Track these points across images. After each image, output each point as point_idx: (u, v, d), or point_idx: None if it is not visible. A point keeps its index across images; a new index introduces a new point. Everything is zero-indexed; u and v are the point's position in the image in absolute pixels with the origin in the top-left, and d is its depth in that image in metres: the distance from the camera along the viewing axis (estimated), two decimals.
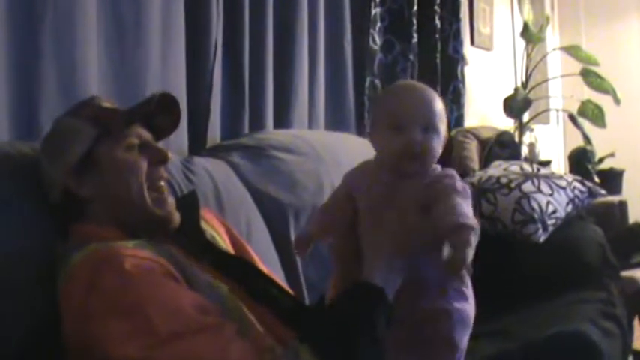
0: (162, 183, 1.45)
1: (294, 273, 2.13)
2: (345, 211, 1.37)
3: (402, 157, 1.30)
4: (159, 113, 1.50)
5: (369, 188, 1.35)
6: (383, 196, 1.32)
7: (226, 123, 2.43)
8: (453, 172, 1.35)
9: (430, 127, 1.30)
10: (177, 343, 1.13)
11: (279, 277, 1.80)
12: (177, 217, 1.44)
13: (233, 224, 1.80)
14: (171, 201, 1.45)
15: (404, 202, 1.30)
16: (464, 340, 1.34)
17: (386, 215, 1.31)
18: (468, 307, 1.34)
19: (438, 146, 1.32)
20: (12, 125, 1.68)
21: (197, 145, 2.26)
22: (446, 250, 1.25)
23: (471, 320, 1.35)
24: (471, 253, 1.20)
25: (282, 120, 2.67)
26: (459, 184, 1.32)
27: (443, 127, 1.33)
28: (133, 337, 1.13)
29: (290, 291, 1.57)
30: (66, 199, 1.39)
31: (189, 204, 1.55)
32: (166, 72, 2.12)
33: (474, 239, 1.21)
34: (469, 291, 1.35)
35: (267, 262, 1.82)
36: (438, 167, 1.36)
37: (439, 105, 1.34)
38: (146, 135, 1.46)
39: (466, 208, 1.27)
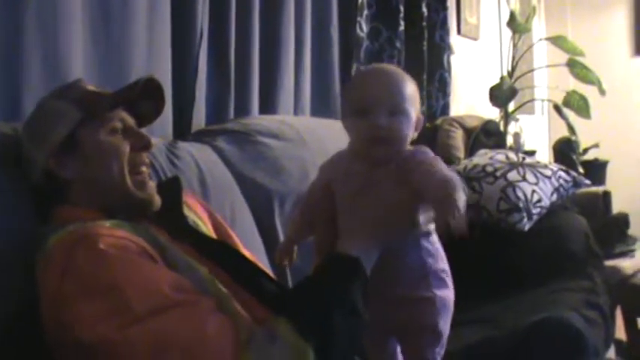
0: (144, 168, 1.44)
1: None
2: (323, 202, 1.36)
3: (368, 143, 1.29)
4: (143, 99, 1.49)
5: (345, 177, 1.34)
6: (358, 183, 1.31)
7: (211, 108, 2.41)
8: (424, 148, 1.33)
9: (397, 110, 1.28)
10: (152, 320, 1.12)
11: (263, 263, 1.79)
12: (157, 200, 1.43)
13: (217, 209, 1.79)
14: (152, 184, 1.45)
15: (379, 188, 1.29)
16: (446, 326, 1.35)
17: (361, 201, 1.29)
18: (449, 293, 1.35)
19: (407, 129, 1.30)
20: None
21: (182, 129, 2.25)
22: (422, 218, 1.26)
23: (452, 306, 1.36)
24: (462, 198, 1.19)
25: (268, 105, 2.65)
26: (432, 154, 1.31)
27: (413, 109, 1.30)
28: (108, 316, 1.12)
29: (273, 276, 1.56)
30: (47, 181, 1.38)
31: (171, 188, 1.54)
32: (152, 56, 2.09)
33: (460, 189, 1.21)
34: (449, 277, 1.36)
35: (252, 248, 1.81)
36: (410, 149, 1.34)
37: (408, 87, 1.31)
38: (129, 120, 1.45)
39: (443, 167, 1.26)
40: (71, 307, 1.15)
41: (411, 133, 1.32)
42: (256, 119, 2.45)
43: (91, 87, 1.46)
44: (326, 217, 1.34)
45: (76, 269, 1.18)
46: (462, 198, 1.19)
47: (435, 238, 1.35)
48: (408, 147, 1.32)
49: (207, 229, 1.58)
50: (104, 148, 1.38)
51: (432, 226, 1.34)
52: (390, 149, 1.29)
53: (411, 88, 1.31)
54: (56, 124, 1.38)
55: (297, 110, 2.83)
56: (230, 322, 1.17)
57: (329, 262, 1.26)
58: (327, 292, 1.20)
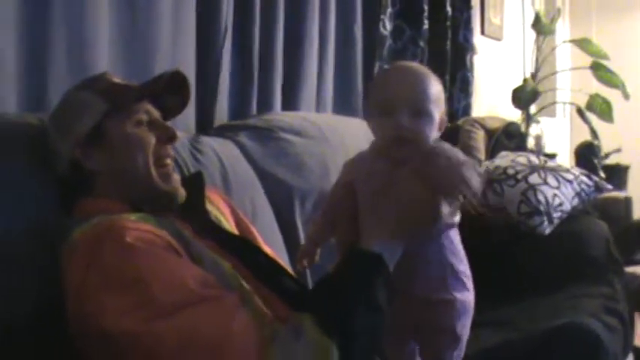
0: (169, 161, 1.45)
1: None
2: (345, 201, 1.35)
3: (391, 142, 1.28)
4: (169, 92, 1.50)
5: (366, 176, 1.33)
6: (379, 182, 1.30)
7: (234, 103, 2.41)
8: (444, 143, 1.33)
9: (421, 111, 1.27)
10: (177, 315, 1.13)
11: (283, 259, 1.79)
12: (182, 192, 1.44)
13: (239, 204, 1.79)
14: (176, 177, 1.45)
15: (400, 186, 1.28)
16: (465, 328, 1.34)
17: (383, 200, 1.29)
18: (469, 295, 1.35)
19: (431, 130, 1.29)
20: (21, 98, 1.68)
21: (204, 124, 2.25)
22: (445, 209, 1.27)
23: (472, 309, 1.35)
24: (473, 176, 1.20)
25: (290, 102, 2.65)
26: (449, 147, 1.30)
27: (437, 110, 1.29)
28: (132, 310, 1.13)
29: (293, 273, 1.56)
30: (73, 172, 1.39)
31: (194, 184, 1.54)
32: (176, 50, 2.10)
33: (472, 168, 1.23)
34: (469, 280, 1.35)
35: (272, 244, 1.81)
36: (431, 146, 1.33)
37: (433, 87, 1.29)
38: (155, 112, 1.45)
39: (459, 154, 1.27)
40: (96, 298, 1.16)
41: (434, 135, 1.31)
42: (278, 115, 2.45)
43: (117, 79, 1.47)
44: (348, 216, 1.34)
45: (102, 262, 1.18)
46: (473, 176, 1.19)
47: (457, 237, 1.35)
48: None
49: (229, 224, 1.58)
50: (130, 139, 1.39)
51: (456, 219, 1.33)
52: (412, 149, 1.28)
53: (436, 89, 1.30)
54: (82, 115, 1.38)
55: (319, 107, 2.83)
56: (255, 319, 1.18)
57: (351, 258, 1.26)
58: (350, 289, 1.20)
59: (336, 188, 1.41)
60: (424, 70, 1.33)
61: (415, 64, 1.40)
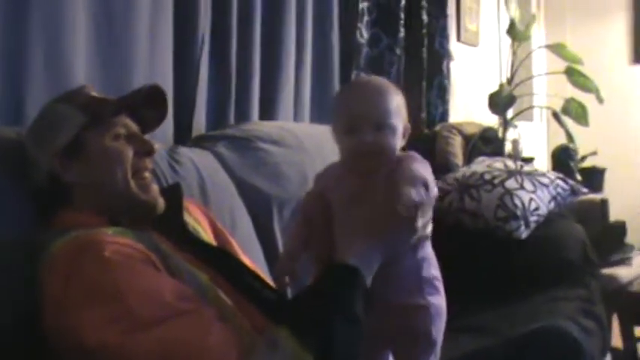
0: (147, 174, 1.45)
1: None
2: (318, 212, 1.37)
3: (356, 158, 1.32)
4: (147, 105, 1.51)
5: (337, 186, 1.36)
6: (350, 194, 1.33)
7: (212, 113, 2.42)
8: (412, 153, 1.36)
9: (382, 125, 1.30)
10: (156, 328, 1.13)
11: (262, 269, 1.80)
12: (161, 203, 1.45)
13: (217, 215, 1.80)
14: (155, 187, 1.46)
15: (370, 196, 1.30)
16: (440, 333, 1.37)
17: (354, 210, 1.31)
18: (442, 300, 1.37)
19: (394, 141, 1.32)
20: None
21: (182, 134, 2.25)
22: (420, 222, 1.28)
23: (445, 313, 1.37)
24: (414, 194, 1.23)
25: (268, 111, 2.66)
26: (416, 159, 1.33)
27: (399, 121, 1.33)
28: (111, 322, 1.14)
29: (272, 284, 1.57)
30: (50, 184, 1.40)
31: (172, 195, 1.54)
32: (153, 61, 2.11)
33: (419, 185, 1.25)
34: (441, 284, 1.38)
35: (251, 254, 1.82)
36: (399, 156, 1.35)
37: (392, 101, 1.33)
38: (133, 126, 1.46)
39: (419, 168, 1.29)
40: (75, 312, 1.16)
41: (399, 143, 1.34)
42: (256, 125, 2.46)
43: (95, 93, 1.48)
44: (321, 227, 1.36)
45: (81, 275, 1.19)
46: (414, 194, 1.23)
47: (428, 243, 1.37)
48: (398, 153, 1.35)
49: (207, 235, 1.59)
50: (108, 153, 1.39)
51: (428, 231, 1.35)
52: (378, 161, 1.32)
53: (395, 101, 1.33)
54: (61, 127, 1.39)
55: (296, 116, 2.84)
56: (232, 332, 1.19)
57: (328, 272, 1.27)
58: (327, 302, 1.21)
59: (308, 198, 1.43)
60: (382, 83, 1.37)
61: (373, 79, 1.44)
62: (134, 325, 1.13)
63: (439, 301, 1.35)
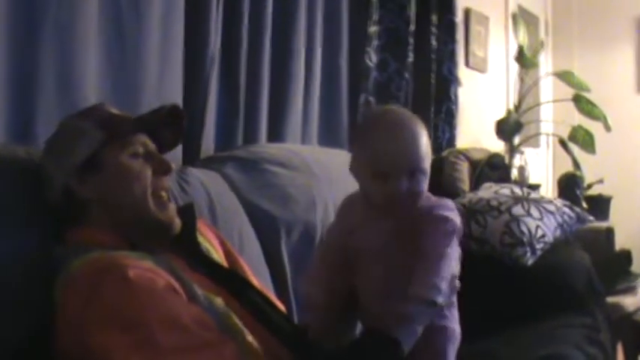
0: (164, 193, 1.46)
1: (284, 286, 2.13)
2: (341, 261, 1.37)
3: (389, 205, 1.29)
4: (165, 125, 1.51)
5: (363, 232, 1.35)
6: (380, 242, 1.32)
7: (221, 135, 2.44)
8: (445, 202, 1.33)
9: (417, 171, 1.27)
10: (178, 358, 1.13)
11: (269, 291, 1.80)
12: (178, 222, 1.45)
13: (225, 236, 1.80)
14: (172, 206, 1.46)
15: (405, 242, 1.29)
16: (453, 356, 1.35)
17: (396, 271, 1.30)
18: (457, 326, 1.37)
19: (425, 184, 1.29)
20: (7, 130, 1.69)
21: (191, 155, 2.26)
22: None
23: (459, 338, 1.37)
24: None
25: (276, 134, 2.67)
26: (447, 213, 1.30)
27: (429, 163, 1.29)
28: (136, 350, 1.14)
29: (281, 306, 1.57)
30: (66, 200, 1.40)
31: (185, 215, 1.54)
32: (163, 81, 2.12)
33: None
34: (456, 311, 1.37)
35: (258, 275, 1.82)
36: (431, 197, 1.33)
37: (424, 143, 1.28)
38: (151, 145, 1.47)
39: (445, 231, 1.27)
40: (99, 334, 1.17)
41: (427, 186, 1.32)
42: (264, 147, 2.47)
43: (114, 110, 1.48)
44: (345, 274, 1.36)
45: (103, 298, 1.19)
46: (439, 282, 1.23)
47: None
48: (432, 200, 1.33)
49: (218, 256, 1.59)
50: (126, 171, 1.40)
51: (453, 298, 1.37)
52: (411, 209, 1.29)
53: (425, 140, 1.29)
54: (79, 143, 1.39)
55: (304, 139, 2.85)
56: None
57: (368, 341, 1.26)
58: None
59: (330, 247, 1.43)
60: (412, 120, 1.31)
61: (402, 114, 1.36)
62: (158, 354, 1.14)
63: (454, 325, 1.36)
